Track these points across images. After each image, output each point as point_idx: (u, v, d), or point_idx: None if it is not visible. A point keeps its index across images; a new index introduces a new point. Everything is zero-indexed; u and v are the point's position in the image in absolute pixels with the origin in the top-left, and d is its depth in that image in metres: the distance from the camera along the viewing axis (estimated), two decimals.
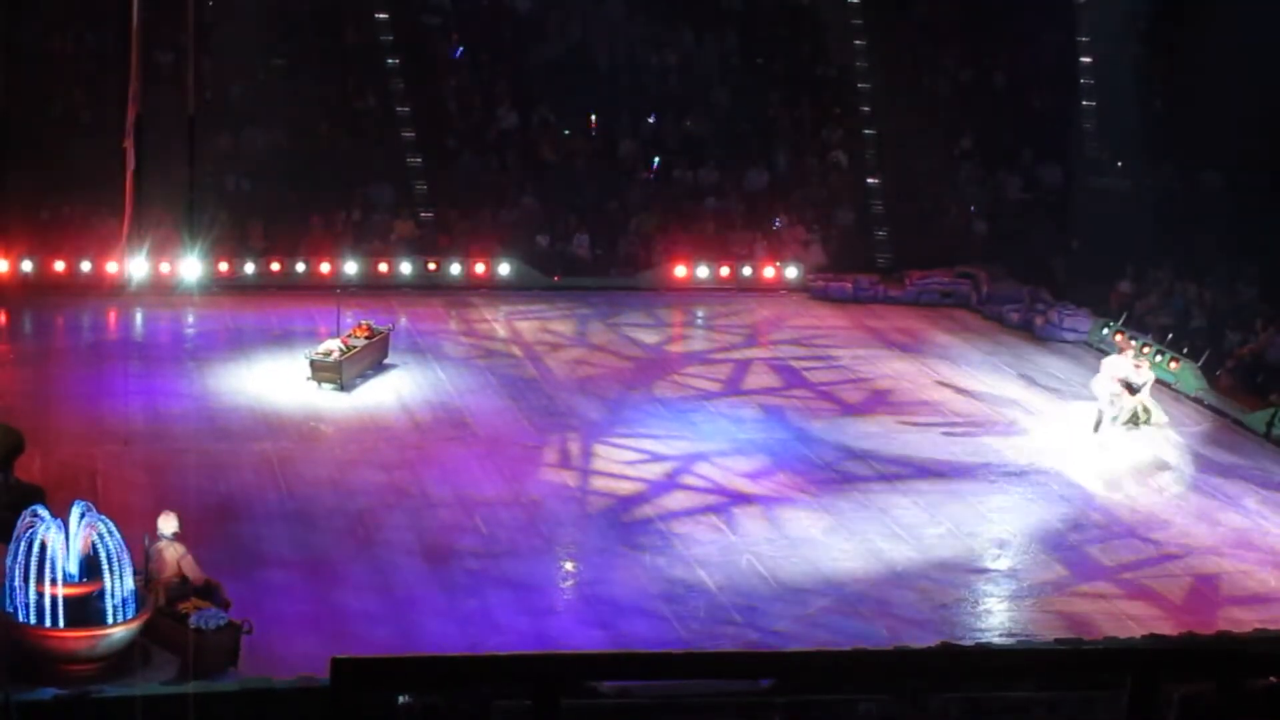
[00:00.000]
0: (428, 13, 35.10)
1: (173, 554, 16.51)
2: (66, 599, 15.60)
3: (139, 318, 28.17)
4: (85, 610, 15.69)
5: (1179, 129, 32.76)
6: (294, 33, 33.78)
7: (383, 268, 30.52)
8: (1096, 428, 24.05)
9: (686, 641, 17.38)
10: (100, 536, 15.68)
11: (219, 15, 32.91)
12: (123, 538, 15.87)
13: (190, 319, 28.15)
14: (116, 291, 28.68)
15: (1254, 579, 19.93)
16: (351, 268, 30.25)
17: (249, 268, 30.00)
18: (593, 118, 34.45)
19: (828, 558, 19.81)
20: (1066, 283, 30.86)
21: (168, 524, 16.62)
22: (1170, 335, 27.80)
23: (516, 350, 27.29)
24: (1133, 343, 25.91)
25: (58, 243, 29.37)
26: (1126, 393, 23.73)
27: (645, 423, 24.06)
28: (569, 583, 19.07)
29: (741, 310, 30.57)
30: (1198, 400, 26.19)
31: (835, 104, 35.31)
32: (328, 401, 24.10)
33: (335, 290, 27.81)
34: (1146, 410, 23.95)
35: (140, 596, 16.00)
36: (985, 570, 19.87)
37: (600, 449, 22.96)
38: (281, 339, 26.88)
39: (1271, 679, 9.34)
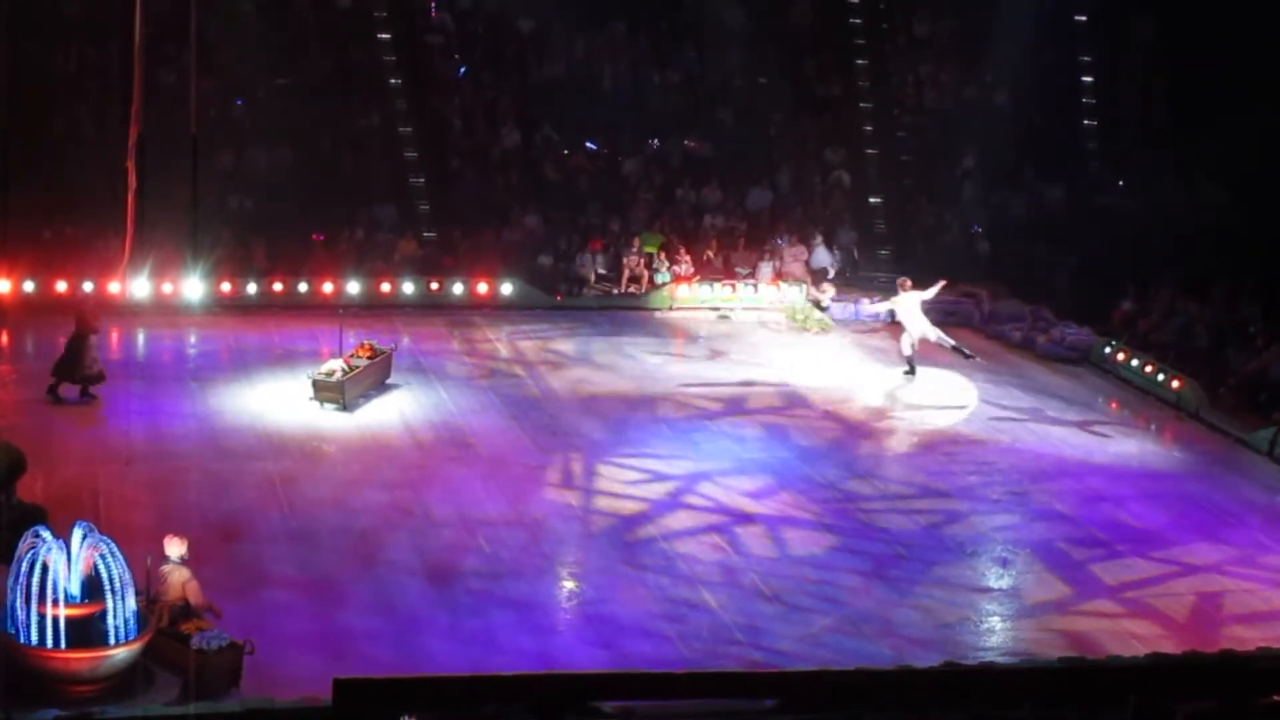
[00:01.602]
0: (431, 32, 35.19)
1: (178, 578, 16.49)
2: (68, 620, 15.58)
3: (141, 337, 28.18)
4: (87, 631, 15.67)
5: (1180, 147, 32.80)
6: (297, 52, 33.85)
7: (385, 287, 30.53)
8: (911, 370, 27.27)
9: (689, 661, 17.34)
10: (102, 557, 15.66)
11: (222, 34, 32.99)
12: (125, 558, 15.87)
13: (193, 339, 28.16)
14: (119, 311, 28.69)
15: (1257, 597, 19.91)
16: (354, 287, 30.27)
17: (252, 287, 30.01)
18: (596, 138, 34.53)
19: (830, 577, 19.78)
20: (1068, 301, 30.86)
21: (175, 548, 16.59)
22: (1172, 353, 27.79)
23: (519, 370, 27.28)
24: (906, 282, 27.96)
25: (60, 263, 29.38)
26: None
27: (648, 442, 24.05)
28: (572, 602, 19.05)
29: (744, 329, 30.55)
30: (1199, 418, 26.17)
31: (838, 123, 35.36)
32: (330, 421, 24.10)
33: (338, 310, 27.83)
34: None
35: (142, 617, 15.98)
36: (988, 589, 19.85)
37: (603, 468, 22.95)
38: (284, 359, 26.87)
39: (1275, 697, 9.32)
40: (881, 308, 29.08)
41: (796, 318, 30.40)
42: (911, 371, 27.40)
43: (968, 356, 27.57)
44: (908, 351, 27.38)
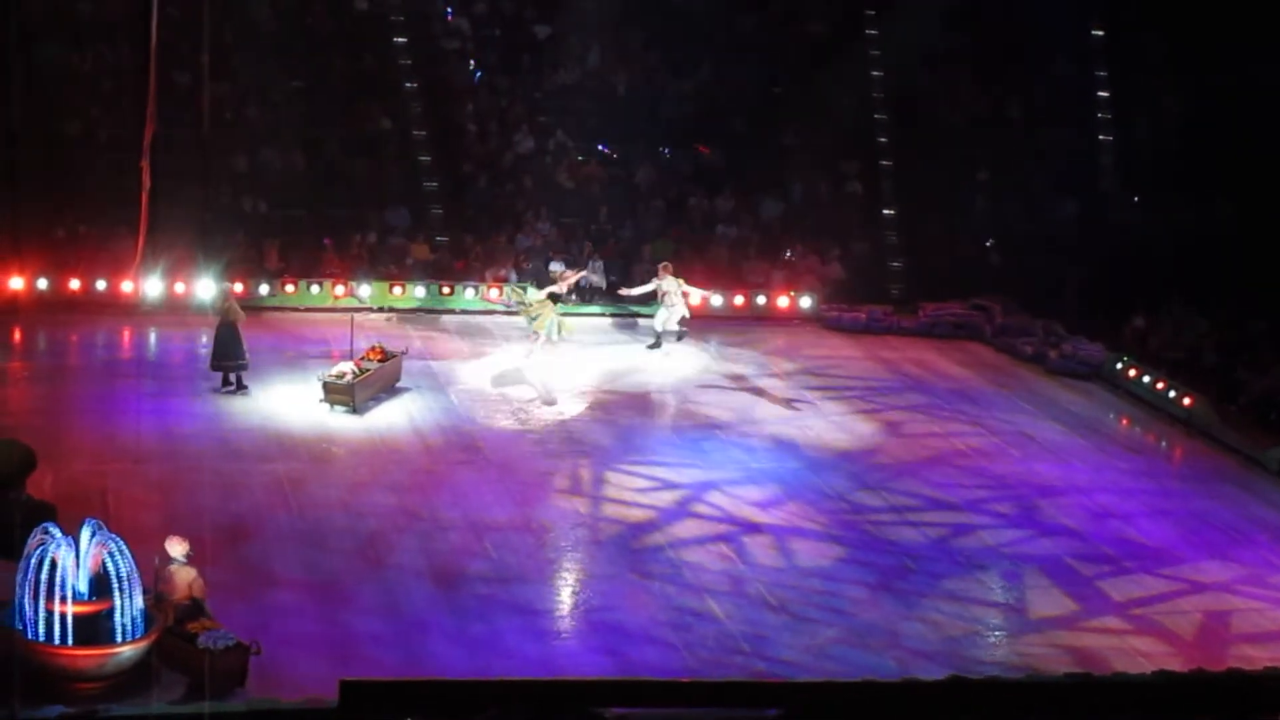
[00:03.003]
0: (446, 37, 35.21)
1: (185, 577, 16.54)
2: (76, 617, 15.63)
3: (153, 337, 28.22)
4: (94, 629, 15.71)
5: (1193, 163, 32.75)
6: (312, 55, 33.89)
7: (397, 291, 30.57)
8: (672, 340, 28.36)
9: (694, 670, 17.35)
10: (111, 555, 15.72)
11: (237, 37, 33.07)
12: (133, 557, 15.90)
13: (204, 339, 28.15)
14: (131, 310, 28.77)
15: (1265, 616, 19.88)
16: (366, 290, 30.31)
17: (263, 289, 30.05)
18: (609, 145, 34.54)
19: (837, 588, 19.78)
20: (1080, 316, 30.82)
21: (178, 548, 16.63)
22: (1182, 370, 27.74)
23: (529, 375, 27.25)
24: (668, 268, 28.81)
25: (73, 261, 29.45)
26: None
27: (657, 450, 24.06)
28: (577, 609, 19.06)
29: (755, 339, 30.54)
30: (1210, 436, 26.13)
31: (851, 134, 35.31)
32: (340, 423, 24.12)
33: (383, 310, 27.95)
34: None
35: (149, 616, 16.01)
36: (995, 603, 19.83)
37: (611, 476, 22.96)
38: (294, 360, 26.89)
39: None
40: (643, 290, 29.16)
41: (533, 322, 27.56)
42: (658, 345, 28.61)
43: (679, 337, 28.77)
44: (659, 328, 28.60)
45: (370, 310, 29.71)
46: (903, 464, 24.18)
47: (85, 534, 15.81)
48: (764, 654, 17.95)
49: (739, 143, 34.81)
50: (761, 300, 31.83)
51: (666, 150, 34.73)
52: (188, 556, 16.64)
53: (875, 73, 35.62)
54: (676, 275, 28.74)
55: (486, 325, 30.12)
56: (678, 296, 28.59)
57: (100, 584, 15.75)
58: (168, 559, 16.63)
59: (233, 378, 25.03)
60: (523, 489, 22.17)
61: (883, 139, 35.06)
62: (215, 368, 25.09)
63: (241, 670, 16.05)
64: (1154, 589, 20.41)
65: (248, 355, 25.06)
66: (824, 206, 34.29)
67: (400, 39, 34.17)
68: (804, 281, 32.29)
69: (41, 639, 15.61)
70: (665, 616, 18.69)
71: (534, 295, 27.98)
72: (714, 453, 24.04)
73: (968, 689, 10.48)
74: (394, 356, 25.75)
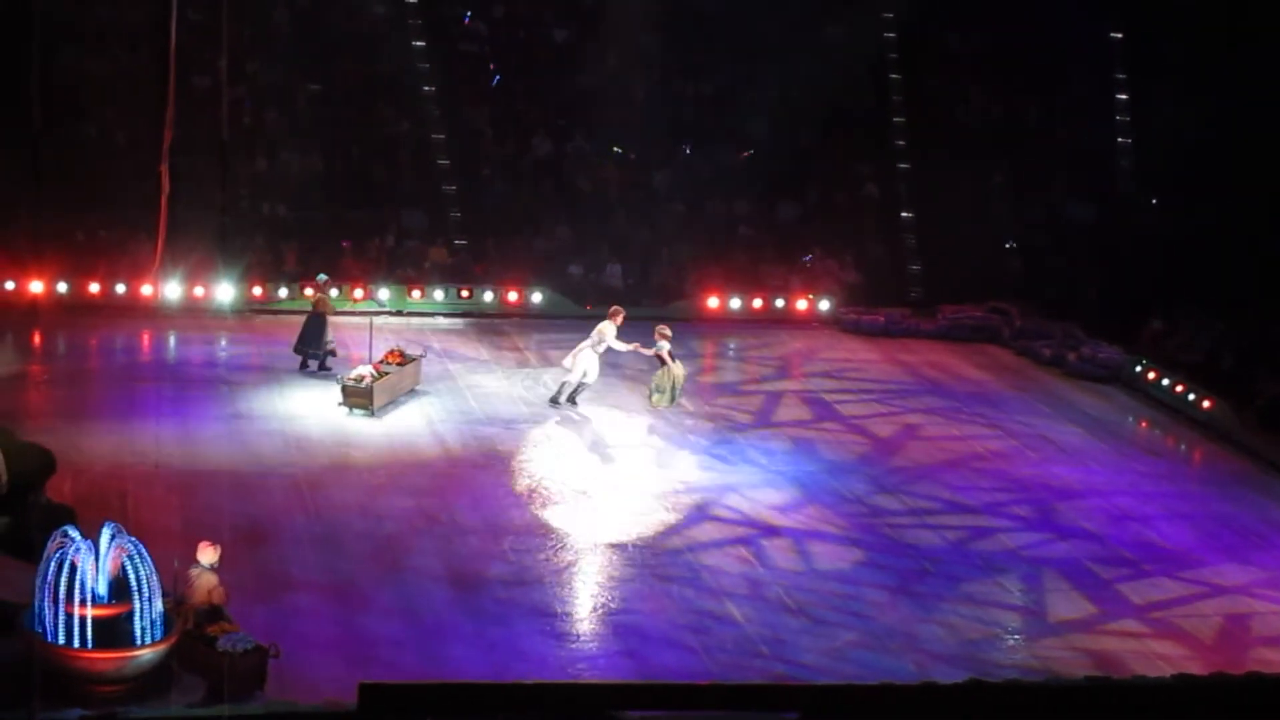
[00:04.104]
0: (465, 40, 35.23)
1: (205, 583, 16.55)
2: (95, 620, 15.66)
3: (172, 340, 28.29)
4: (114, 632, 15.74)
5: (1211, 166, 32.67)
6: (330, 59, 33.94)
7: (416, 294, 30.61)
8: (561, 399, 25.65)
9: (713, 673, 17.35)
10: (130, 558, 15.75)
11: (256, 40, 33.13)
12: (152, 560, 15.93)
13: (223, 342, 28.26)
14: (150, 314, 28.84)
15: None
16: (384, 294, 30.35)
17: (282, 292, 30.11)
18: (627, 147, 34.51)
19: (856, 591, 19.77)
20: (1098, 319, 30.75)
21: (207, 555, 16.66)
22: (1200, 373, 27.67)
23: (547, 378, 27.27)
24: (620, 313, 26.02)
25: (93, 265, 29.54)
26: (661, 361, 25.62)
27: (676, 453, 24.03)
28: (596, 612, 19.05)
29: (773, 342, 30.54)
30: (1229, 439, 26.07)
31: (868, 138, 35.27)
32: (358, 426, 24.16)
33: (400, 314, 28.76)
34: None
35: (169, 619, 16.04)
36: (1014, 606, 19.79)
37: (630, 478, 22.94)
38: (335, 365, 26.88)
39: None
40: (622, 346, 25.83)
41: (660, 399, 25.80)
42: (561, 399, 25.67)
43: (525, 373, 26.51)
44: (576, 365, 25.48)
45: (389, 313, 29.74)
46: (921, 467, 24.16)
47: (104, 537, 15.84)
48: (783, 657, 17.95)
49: (757, 146, 34.78)
50: (780, 303, 31.82)
51: (686, 149, 34.67)
52: (214, 566, 16.65)
53: (893, 75, 35.58)
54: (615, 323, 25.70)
55: (504, 328, 30.16)
56: (600, 349, 25.50)
57: (120, 587, 15.78)
58: (193, 561, 16.65)
59: (311, 363, 26.31)
60: (541, 492, 22.18)
61: (900, 141, 35.03)
62: (298, 351, 26.41)
63: (260, 673, 16.07)
64: (1173, 592, 20.37)
65: (332, 344, 26.27)
66: (841, 209, 34.26)
67: (418, 42, 34.20)
68: (822, 284, 32.27)
69: (61, 642, 15.64)
70: (684, 619, 18.70)
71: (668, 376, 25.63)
72: (732, 456, 24.03)
73: (986, 692, 10.49)
74: (413, 360, 25.80)
